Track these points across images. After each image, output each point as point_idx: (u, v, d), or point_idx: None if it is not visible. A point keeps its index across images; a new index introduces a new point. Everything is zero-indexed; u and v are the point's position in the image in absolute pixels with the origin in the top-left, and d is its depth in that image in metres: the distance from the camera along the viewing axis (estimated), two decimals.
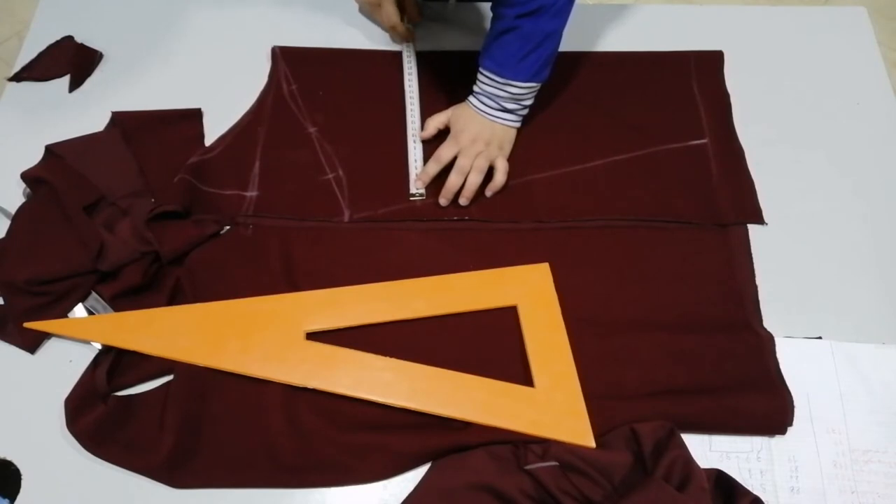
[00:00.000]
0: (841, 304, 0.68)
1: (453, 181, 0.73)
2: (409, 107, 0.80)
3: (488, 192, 0.74)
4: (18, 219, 0.71)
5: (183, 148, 0.77)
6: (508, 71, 0.70)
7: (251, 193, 0.74)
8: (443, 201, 0.73)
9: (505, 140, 0.75)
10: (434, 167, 0.74)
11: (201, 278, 0.69)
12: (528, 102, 0.74)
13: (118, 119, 0.79)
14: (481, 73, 0.73)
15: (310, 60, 0.84)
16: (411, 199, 0.74)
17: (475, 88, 0.75)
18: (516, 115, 0.75)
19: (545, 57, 0.70)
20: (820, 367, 0.64)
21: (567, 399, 0.61)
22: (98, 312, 0.66)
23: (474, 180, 0.73)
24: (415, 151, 0.77)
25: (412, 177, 0.75)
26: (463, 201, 0.73)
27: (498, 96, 0.72)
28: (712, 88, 0.83)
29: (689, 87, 0.83)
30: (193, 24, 0.88)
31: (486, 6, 0.89)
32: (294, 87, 0.82)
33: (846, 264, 0.71)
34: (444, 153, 0.74)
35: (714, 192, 0.75)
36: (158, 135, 0.78)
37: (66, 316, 0.66)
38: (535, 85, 0.72)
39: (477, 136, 0.73)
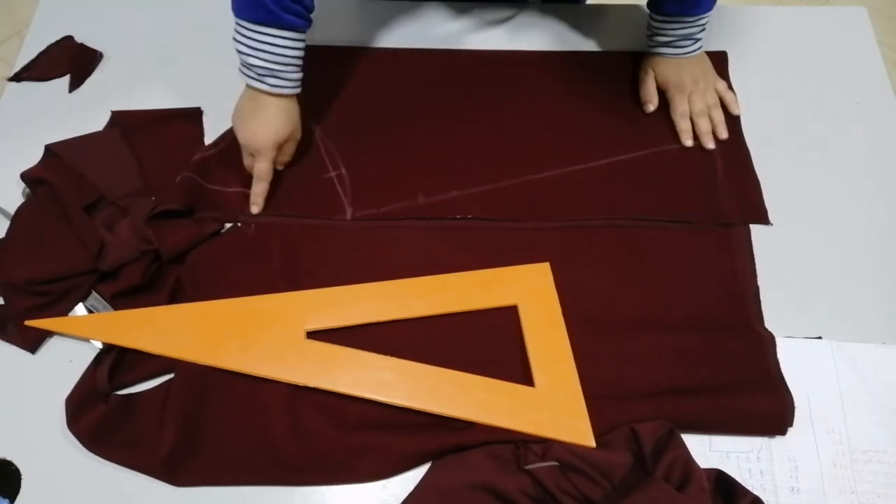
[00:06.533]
0: (841, 304, 0.68)
1: (702, 125, 0.78)
2: None
3: (735, 111, 0.80)
4: (18, 219, 0.71)
5: (183, 148, 0.77)
6: (700, 8, 0.76)
7: None
8: (708, 141, 0.78)
9: (707, 65, 0.81)
10: None
11: (202, 277, 0.69)
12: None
13: (118, 119, 0.79)
14: (670, 22, 0.77)
15: (310, 60, 0.84)
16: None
17: (663, 40, 0.79)
18: (701, 41, 0.80)
19: None
20: (820, 367, 0.64)
21: (567, 399, 0.61)
22: (98, 312, 0.66)
23: (718, 116, 0.79)
24: None
25: None
26: (722, 133, 0.78)
27: (692, 34, 0.78)
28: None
29: None
30: (193, 23, 0.88)
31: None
32: None
33: (846, 264, 0.71)
34: (680, 107, 0.79)
35: (718, 192, 0.75)
36: (158, 135, 0.78)
37: (66, 315, 0.66)
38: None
39: (696, 77, 0.79)
